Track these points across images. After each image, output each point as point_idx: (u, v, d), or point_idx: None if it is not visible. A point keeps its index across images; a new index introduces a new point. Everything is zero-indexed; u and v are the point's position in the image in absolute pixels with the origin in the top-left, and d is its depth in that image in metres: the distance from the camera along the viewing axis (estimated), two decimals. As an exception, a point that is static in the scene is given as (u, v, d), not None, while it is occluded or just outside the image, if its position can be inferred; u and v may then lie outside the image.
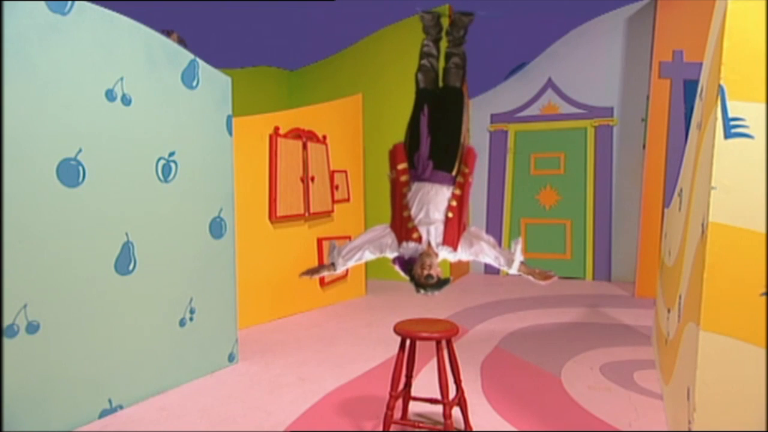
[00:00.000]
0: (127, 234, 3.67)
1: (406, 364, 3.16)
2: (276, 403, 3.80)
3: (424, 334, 2.97)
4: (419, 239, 2.77)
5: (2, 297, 2.98)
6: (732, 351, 2.39)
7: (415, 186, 2.86)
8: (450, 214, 2.78)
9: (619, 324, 6.03)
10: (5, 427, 2.99)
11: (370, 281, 7.84)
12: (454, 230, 2.78)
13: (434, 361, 3.31)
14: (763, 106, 2.35)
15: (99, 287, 3.51)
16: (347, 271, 3.61)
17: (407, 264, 2.81)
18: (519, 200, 9.38)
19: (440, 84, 3.11)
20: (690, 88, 6.86)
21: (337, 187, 7.09)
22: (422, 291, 2.74)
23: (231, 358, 4.61)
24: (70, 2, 3.29)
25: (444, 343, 3.02)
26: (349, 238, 7.09)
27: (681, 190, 3.95)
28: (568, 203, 9.02)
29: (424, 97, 3.04)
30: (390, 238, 2.85)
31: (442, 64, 3.13)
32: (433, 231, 2.77)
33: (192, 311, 4.21)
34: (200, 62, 4.25)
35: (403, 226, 2.81)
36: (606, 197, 8.79)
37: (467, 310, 6.52)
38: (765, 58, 2.34)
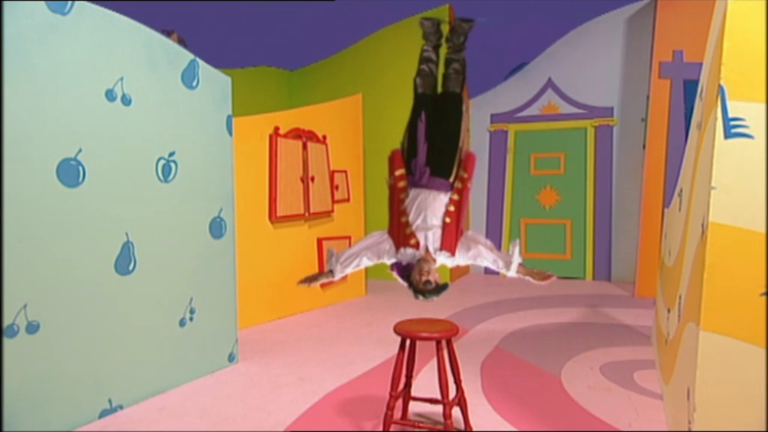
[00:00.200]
0: (127, 234, 3.67)
1: (406, 364, 3.16)
2: (276, 403, 3.80)
3: (424, 334, 2.97)
4: (417, 245, 2.76)
5: (2, 297, 2.98)
6: (732, 351, 2.39)
7: (413, 192, 2.86)
8: (448, 220, 2.78)
9: (619, 324, 6.03)
10: (5, 427, 2.99)
11: (370, 281, 7.85)
12: (452, 235, 2.77)
13: (434, 361, 3.31)
14: (763, 106, 2.35)
15: (99, 287, 3.51)
16: None
17: (405, 270, 2.81)
18: (519, 200, 9.38)
19: (439, 89, 3.12)
20: (690, 88, 6.86)
21: (337, 187, 7.09)
22: (420, 297, 2.74)
23: (231, 358, 4.61)
24: (70, 2, 3.29)
25: (444, 343, 3.02)
26: (349, 238, 7.17)
27: (681, 190, 3.95)
28: (568, 203, 9.02)
29: (422, 102, 3.04)
30: (388, 244, 2.85)
31: (441, 70, 3.14)
32: (430, 237, 2.76)
33: (192, 311, 4.21)
34: (200, 62, 4.25)
35: (400, 232, 2.81)
36: (606, 197, 8.80)
37: (467, 310, 6.52)
38: (765, 58, 2.34)
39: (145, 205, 3.80)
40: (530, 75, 9.29)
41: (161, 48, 3.93)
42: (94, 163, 3.43)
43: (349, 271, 2.92)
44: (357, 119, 7.50)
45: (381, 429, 3.14)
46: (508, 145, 9.43)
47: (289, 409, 3.71)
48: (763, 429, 2.34)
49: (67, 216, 3.31)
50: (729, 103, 2.39)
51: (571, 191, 9.01)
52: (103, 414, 3.55)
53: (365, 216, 7.56)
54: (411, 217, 2.80)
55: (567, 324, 6.03)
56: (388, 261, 2.86)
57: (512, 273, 2.86)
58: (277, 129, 6.15)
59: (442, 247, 2.76)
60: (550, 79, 9.12)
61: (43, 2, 3.15)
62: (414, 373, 3.29)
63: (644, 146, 7.80)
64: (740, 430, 2.39)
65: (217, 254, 4.43)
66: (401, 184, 2.87)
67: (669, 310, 3.84)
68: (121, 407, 3.66)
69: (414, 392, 3.35)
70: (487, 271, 9.32)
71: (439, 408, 3.17)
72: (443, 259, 2.80)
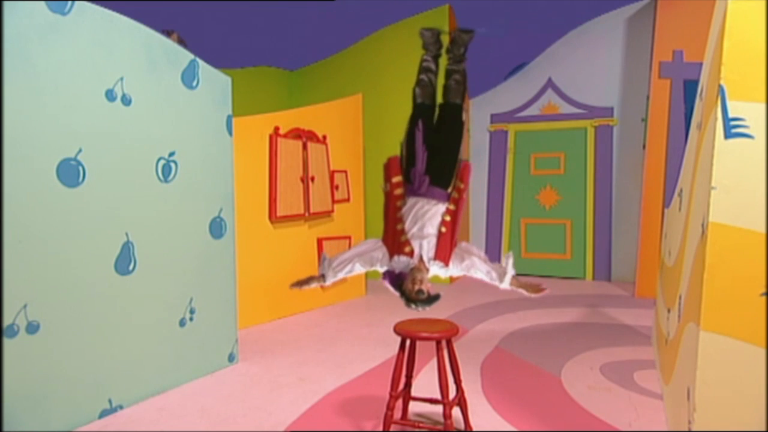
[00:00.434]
0: (127, 234, 3.67)
1: (406, 364, 3.16)
2: (276, 403, 3.80)
3: (424, 334, 2.97)
4: (411, 253, 2.75)
5: (2, 297, 2.98)
6: (732, 351, 2.38)
7: (410, 200, 2.87)
8: (443, 229, 2.78)
9: (619, 324, 6.03)
10: (5, 427, 2.99)
11: (370, 281, 7.84)
12: (447, 245, 2.77)
13: (434, 361, 3.31)
14: (763, 106, 2.35)
15: (99, 287, 3.51)
16: None
17: (397, 279, 2.80)
18: (519, 200, 9.38)
19: (439, 99, 3.13)
20: (690, 88, 6.86)
21: (337, 187, 7.09)
22: (413, 306, 2.74)
23: (231, 358, 4.61)
24: (70, 2, 3.28)
25: (444, 343, 3.02)
26: (349, 238, 7.17)
27: (681, 190, 3.95)
28: (568, 203, 9.02)
29: (421, 111, 3.06)
30: (381, 252, 2.84)
31: (440, 80, 3.16)
32: (425, 245, 2.76)
33: (192, 311, 4.21)
34: (200, 62, 4.25)
35: (395, 240, 2.81)
36: (606, 197, 8.80)
37: (467, 310, 6.52)
38: (765, 58, 2.34)
39: (145, 205, 3.80)
40: (530, 75, 9.29)
41: (161, 48, 3.93)
42: (94, 163, 3.43)
43: (341, 276, 2.90)
44: (357, 119, 7.50)
45: (381, 429, 3.14)
46: (508, 145, 9.43)
47: (289, 409, 3.71)
48: (763, 429, 2.34)
49: (67, 216, 3.31)
50: (729, 103, 2.39)
51: (571, 191, 9.01)
52: (103, 414, 3.55)
53: (365, 216, 7.56)
54: (407, 225, 2.80)
55: (567, 324, 6.03)
56: (381, 269, 2.85)
57: (505, 285, 2.88)
58: (277, 129, 6.15)
59: (436, 257, 2.76)
60: (550, 79, 9.11)
61: (43, 2, 3.15)
62: (414, 373, 3.29)
63: (644, 146, 7.80)
64: (740, 430, 2.39)
65: (217, 254, 4.42)
66: (398, 191, 2.87)
67: (669, 310, 3.84)
68: (121, 407, 3.66)
69: (414, 392, 3.34)
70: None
71: (439, 408, 3.17)
72: (437, 269, 2.79)
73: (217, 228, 4.41)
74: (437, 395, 3.08)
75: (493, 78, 9.64)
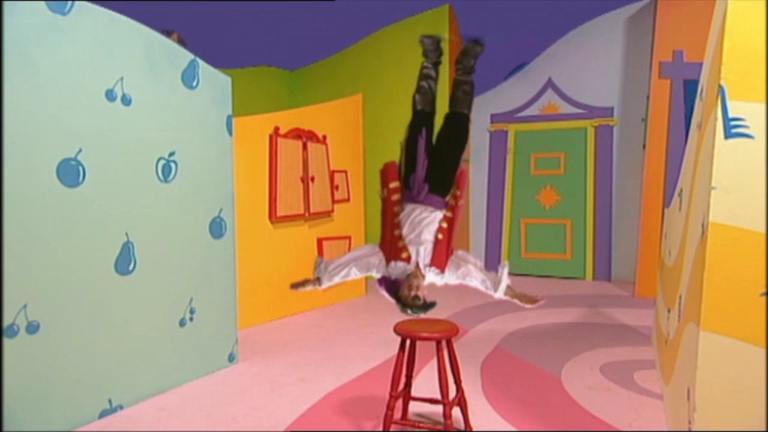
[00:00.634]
0: (127, 234, 3.67)
1: (406, 364, 3.16)
2: (276, 403, 3.80)
3: (424, 334, 2.97)
4: (408, 259, 2.76)
5: (2, 297, 2.98)
6: (732, 351, 2.38)
7: (408, 207, 2.87)
8: (440, 236, 2.78)
9: (619, 324, 6.03)
10: (5, 427, 2.99)
11: (370, 281, 7.83)
12: (443, 252, 2.78)
13: (434, 361, 3.31)
14: (763, 106, 2.35)
15: (99, 287, 3.51)
16: None
17: (392, 286, 2.80)
18: (519, 200, 9.38)
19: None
20: (690, 88, 6.87)
21: (337, 187, 7.09)
22: (408, 312, 2.74)
23: (231, 358, 4.61)
24: (70, 2, 3.28)
25: (444, 343, 3.02)
26: (349, 238, 7.17)
27: (681, 190, 3.95)
28: (568, 203, 9.02)
29: (421, 118, 3.06)
30: (377, 258, 2.85)
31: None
32: (422, 252, 2.77)
33: (192, 311, 4.21)
34: (200, 62, 4.25)
35: (393, 245, 2.81)
36: (606, 197, 8.80)
37: (467, 310, 6.53)
38: (765, 58, 2.34)
39: (145, 205, 3.80)
40: (530, 75, 9.29)
41: (161, 48, 3.93)
42: (94, 163, 3.43)
43: (336, 280, 2.91)
44: (357, 119, 7.50)
45: (381, 429, 3.14)
46: (508, 145, 9.43)
47: (289, 409, 3.71)
48: (763, 429, 2.34)
49: (67, 216, 3.31)
50: (729, 103, 2.39)
51: (571, 191, 9.00)
52: (103, 414, 3.55)
53: (365, 216, 7.56)
54: (404, 231, 2.80)
55: (567, 324, 6.03)
56: (377, 275, 2.86)
57: (500, 294, 2.89)
58: (277, 129, 6.15)
59: (432, 264, 2.76)
60: (550, 79, 9.12)
61: (43, 2, 3.15)
62: (414, 373, 3.29)
63: (644, 146, 7.80)
64: (740, 430, 2.39)
65: (217, 254, 4.42)
66: (395, 197, 2.87)
67: (669, 310, 3.84)
68: (121, 407, 3.66)
69: (414, 392, 3.35)
70: (487, 270, 9.31)
71: (439, 408, 3.17)
72: (432, 277, 2.79)
73: (217, 228, 4.41)
74: (437, 395, 3.08)
75: (493, 78, 9.64)
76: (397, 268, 2.78)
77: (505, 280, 2.89)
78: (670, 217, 4.67)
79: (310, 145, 6.59)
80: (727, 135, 2.39)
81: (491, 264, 2.94)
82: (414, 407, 3.48)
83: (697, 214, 2.84)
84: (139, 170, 3.77)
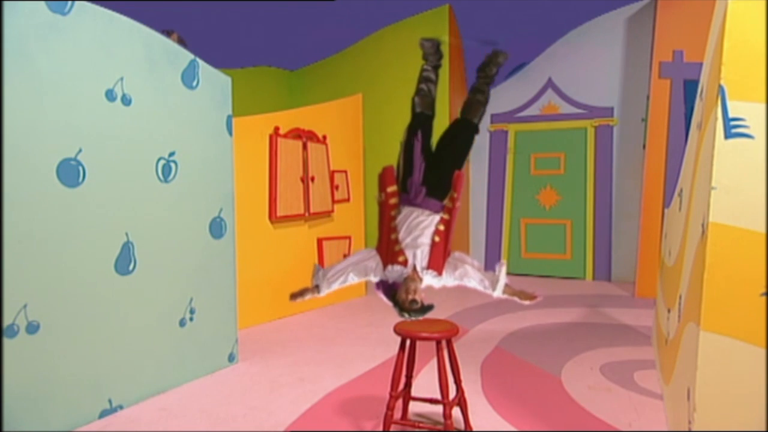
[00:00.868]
0: (127, 234, 3.67)
1: (406, 364, 3.16)
2: (276, 403, 3.80)
3: (424, 334, 2.97)
4: (405, 262, 2.76)
5: (2, 297, 2.98)
6: (732, 351, 2.38)
7: (405, 210, 2.87)
8: (437, 239, 2.79)
9: (619, 324, 6.03)
10: (5, 427, 2.99)
11: (370, 282, 7.84)
12: (440, 255, 2.78)
13: (434, 361, 3.31)
14: (763, 106, 2.35)
15: (99, 287, 3.51)
16: None
17: (390, 290, 2.81)
18: (519, 200, 9.38)
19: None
20: (690, 88, 6.86)
21: (337, 187, 7.09)
22: (406, 315, 2.75)
23: (231, 358, 4.61)
24: (70, 2, 3.28)
25: (444, 343, 3.02)
26: (349, 238, 7.16)
27: (681, 190, 3.95)
28: (568, 203, 9.02)
29: (420, 121, 3.07)
30: (374, 262, 2.86)
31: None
32: (419, 255, 2.77)
33: (192, 311, 4.21)
34: (200, 62, 4.25)
35: (389, 249, 2.81)
36: (606, 197, 8.80)
37: (467, 310, 6.53)
38: (765, 58, 2.34)
39: (145, 205, 3.80)
40: (530, 75, 9.29)
41: (161, 48, 3.93)
42: (94, 163, 3.43)
43: (335, 287, 2.92)
44: (357, 119, 7.50)
45: (381, 429, 3.14)
46: (508, 145, 9.43)
47: (289, 409, 3.71)
48: (763, 429, 2.34)
49: (67, 216, 3.31)
50: (729, 103, 2.39)
51: (571, 191, 9.00)
52: (103, 414, 3.55)
53: (365, 216, 7.55)
54: (401, 235, 2.81)
55: (567, 324, 6.03)
56: (374, 279, 2.86)
57: (498, 293, 2.89)
58: (277, 129, 6.15)
59: (429, 266, 2.76)
60: (550, 79, 9.12)
61: (43, 2, 3.15)
62: (414, 373, 3.29)
63: (644, 146, 7.79)
64: (740, 430, 2.39)
65: (217, 254, 4.42)
66: (392, 200, 2.88)
67: (669, 310, 3.84)
68: (121, 407, 3.66)
69: (414, 392, 3.34)
70: (488, 269, 9.30)
71: (439, 408, 3.17)
72: (430, 279, 2.80)
73: (217, 228, 4.41)
74: (437, 395, 3.08)
75: (493, 78, 9.62)
76: (395, 271, 2.78)
77: (503, 279, 2.89)
78: (670, 217, 4.67)
79: (310, 145, 6.59)
80: (727, 135, 2.39)
81: (491, 264, 2.94)
82: (414, 407, 3.48)
83: (697, 214, 2.84)
84: (139, 170, 3.77)
